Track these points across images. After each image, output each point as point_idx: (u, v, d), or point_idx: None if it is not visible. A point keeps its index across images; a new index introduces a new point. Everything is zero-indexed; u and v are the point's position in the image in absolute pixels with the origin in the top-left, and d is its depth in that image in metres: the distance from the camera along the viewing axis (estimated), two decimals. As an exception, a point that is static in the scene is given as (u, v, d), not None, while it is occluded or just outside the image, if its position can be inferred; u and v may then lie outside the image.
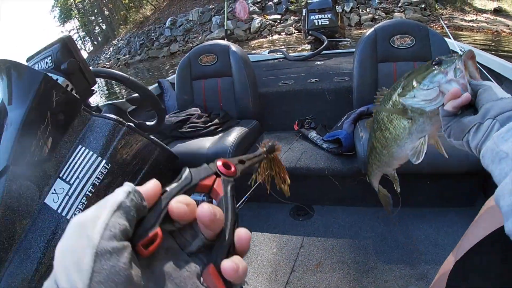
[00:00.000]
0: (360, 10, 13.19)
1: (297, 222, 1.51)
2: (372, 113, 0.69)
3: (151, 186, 0.24)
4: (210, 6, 17.32)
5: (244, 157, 0.34)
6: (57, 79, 1.02)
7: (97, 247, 0.19)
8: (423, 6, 12.61)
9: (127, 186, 0.23)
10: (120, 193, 0.22)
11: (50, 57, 1.11)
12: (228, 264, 0.23)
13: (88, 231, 0.20)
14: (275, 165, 0.43)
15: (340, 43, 3.17)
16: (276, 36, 14.16)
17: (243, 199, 1.22)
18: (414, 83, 0.50)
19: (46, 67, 1.12)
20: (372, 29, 1.77)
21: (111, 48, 23.24)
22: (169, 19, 18.45)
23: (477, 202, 1.42)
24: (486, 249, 0.43)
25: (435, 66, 0.49)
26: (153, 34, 19.22)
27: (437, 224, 1.37)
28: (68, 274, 0.19)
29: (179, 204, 0.24)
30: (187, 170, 0.28)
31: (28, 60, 1.23)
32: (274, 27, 14.61)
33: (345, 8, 12.96)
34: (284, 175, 0.45)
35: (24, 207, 0.86)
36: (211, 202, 0.27)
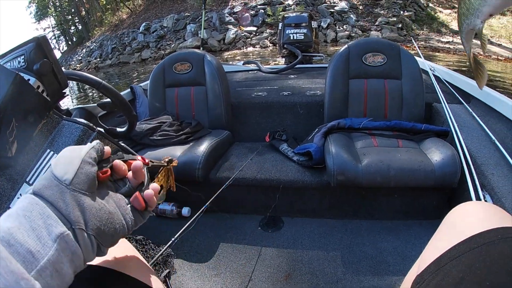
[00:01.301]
0: (337, 27, 13.60)
1: (266, 233, 1.53)
2: (341, 128, 0.72)
3: (107, 147, 0.46)
4: (186, 14, 17.34)
5: (153, 160, 0.56)
6: (28, 79, 1.00)
7: (83, 158, 0.40)
8: (400, 25, 13.18)
9: (96, 141, 0.45)
10: (94, 142, 0.45)
11: (23, 56, 1.09)
12: (148, 191, 0.46)
13: (77, 151, 0.41)
14: (170, 174, 0.62)
15: (314, 57, 3.28)
16: (250, 49, 14.28)
17: (203, 207, 1.25)
18: None
19: (18, 66, 1.09)
20: (346, 46, 1.87)
21: (84, 50, 22.69)
22: (143, 24, 18.31)
23: (444, 215, 1.51)
24: (445, 262, 0.46)
25: None
26: (126, 38, 18.95)
27: (404, 237, 1.42)
28: (62, 167, 0.39)
29: (120, 162, 0.47)
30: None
31: (0, 58, 1.19)
32: (249, 39, 14.75)
33: (322, 24, 13.39)
34: (173, 183, 0.63)
35: None
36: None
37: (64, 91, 1.12)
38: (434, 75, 2.13)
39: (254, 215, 1.65)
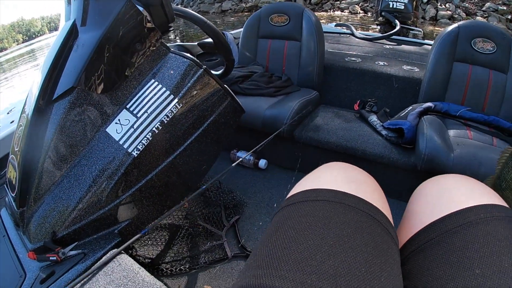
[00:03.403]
0: (439, 4, 12.46)
1: None
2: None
3: None
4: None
5: None
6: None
7: None
8: (509, 16, 11.80)
9: None
10: None
11: None
12: None
13: None
14: None
15: (411, 31, 3.13)
16: (338, 13, 13.58)
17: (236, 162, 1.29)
18: None
19: None
20: (456, 25, 1.76)
21: None
22: (228, -28, 18.26)
23: None
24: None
25: None
26: (208, -14, 19.14)
27: None
28: None
29: None
30: None
31: None
32: (338, 2, 13.99)
33: (423, -3, 12.35)
34: None
35: (83, 132, 0.88)
36: None
37: (170, 25, 1.16)
38: None
39: None
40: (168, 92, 0.95)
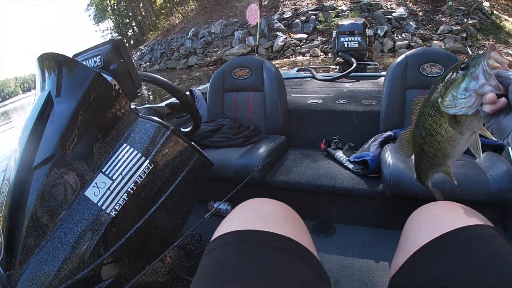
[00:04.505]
0: (395, 35, 13.12)
1: (318, 238, 1.61)
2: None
3: None
4: (235, 20, 17.80)
5: None
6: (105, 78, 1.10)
7: None
8: (464, 35, 12.41)
9: None
10: None
11: (99, 56, 1.21)
12: None
13: None
14: None
15: (368, 66, 3.36)
16: (300, 57, 14.14)
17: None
18: (450, 97, 0.59)
19: (94, 66, 1.23)
20: (403, 55, 1.93)
21: (138, 53, 24.04)
22: (192, 29, 19.12)
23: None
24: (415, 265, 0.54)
25: (463, 72, 0.57)
26: (175, 43, 19.85)
27: None
28: None
29: None
30: None
31: (75, 56, 1.33)
32: (299, 47, 14.66)
33: (379, 31, 12.97)
34: None
35: (63, 196, 0.92)
36: None
37: (138, 90, 1.26)
38: None
39: (307, 219, 1.72)
40: (139, 155, 1.01)
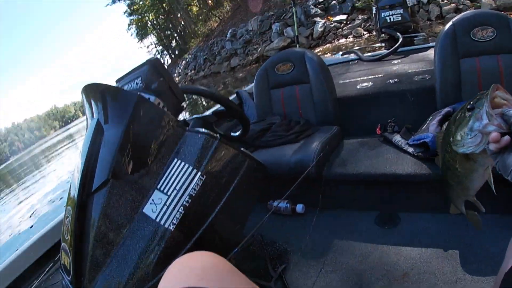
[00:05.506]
0: (440, 0, 12.34)
1: (382, 230, 1.55)
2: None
3: None
4: (270, 13, 17.56)
5: None
6: (148, 98, 1.16)
7: None
8: None
9: None
10: None
11: (140, 78, 1.26)
12: None
13: None
14: None
15: (415, 38, 3.18)
16: (342, 40, 13.54)
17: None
18: (459, 137, 0.64)
19: (136, 87, 1.27)
20: (450, 23, 1.79)
21: (183, 62, 25.00)
22: (230, 30, 19.29)
23: None
24: None
25: (469, 113, 0.61)
26: (215, 47, 20.25)
27: None
28: None
29: None
30: None
31: (117, 81, 1.40)
32: (340, 30, 14.04)
33: (422, -1, 12.28)
34: None
35: (123, 216, 0.98)
36: None
37: (182, 104, 1.29)
38: None
39: (369, 211, 1.68)
40: (191, 167, 1.04)
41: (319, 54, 2.24)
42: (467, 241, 1.35)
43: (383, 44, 3.39)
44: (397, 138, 1.78)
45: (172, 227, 0.97)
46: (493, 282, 1.13)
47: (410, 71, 2.26)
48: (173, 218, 0.98)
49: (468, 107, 0.62)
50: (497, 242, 1.31)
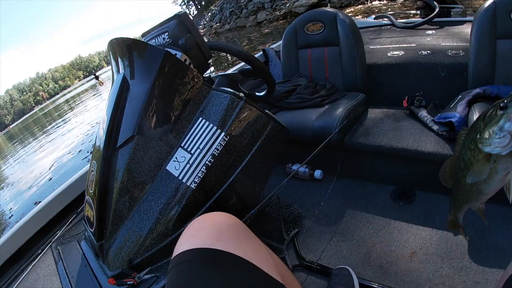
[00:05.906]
0: None
1: (397, 205, 1.54)
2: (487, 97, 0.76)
3: None
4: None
5: None
6: (175, 54, 1.14)
7: None
8: None
9: None
10: None
11: (167, 33, 1.24)
12: None
13: None
14: None
15: (452, 9, 3.04)
16: (376, 2, 13.05)
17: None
18: (487, 135, 0.60)
19: (163, 43, 1.26)
20: (491, 1, 1.67)
21: (209, 14, 24.38)
22: (259, -19, 18.51)
23: None
24: None
25: (501, 112, 0.57)
26: (242, 0, 19.57)
27: None
28: None
29: None
30: None
31: (143, 35, 1.39)
32: None
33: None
34: None
35: (147, 172, 1.00)
36: None
37: (209, 62, 1.27)
38: None
39: (386, 185, 1.67)
40: (215, 127, 1.04)
41: (350, 15, 2.13)
42: (478, 229, 1.33)
43: (418, 12, 3.27)
44: (423, 113, 1.73)
45: (194, 186, 0.99)
46: (496, 275, 1.14)
47: (444, 44, 2.15)
48: (195, 176, 1.00)
49: (501, 105, 0.58)
50: (508, 234, 1.29)
